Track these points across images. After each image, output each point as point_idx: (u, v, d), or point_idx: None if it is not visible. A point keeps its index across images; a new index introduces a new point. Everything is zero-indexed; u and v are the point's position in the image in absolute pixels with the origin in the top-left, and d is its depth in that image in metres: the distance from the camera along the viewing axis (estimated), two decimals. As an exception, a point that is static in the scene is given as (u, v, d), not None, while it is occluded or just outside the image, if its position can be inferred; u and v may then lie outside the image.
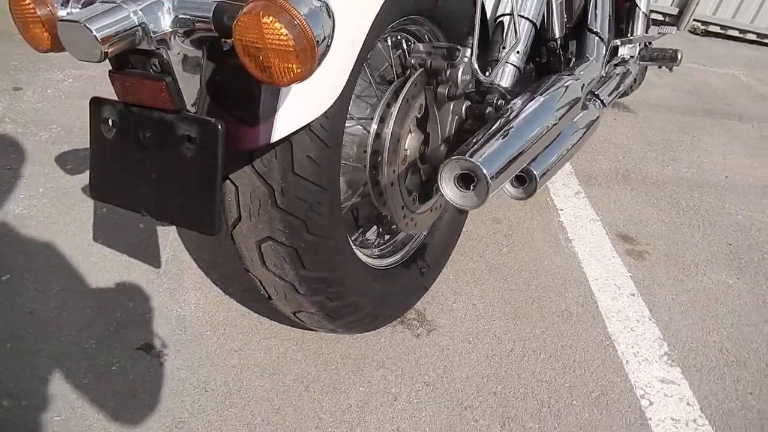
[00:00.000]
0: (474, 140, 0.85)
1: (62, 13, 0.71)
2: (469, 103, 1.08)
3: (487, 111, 1.05)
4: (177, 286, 1.16)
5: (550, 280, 1.41)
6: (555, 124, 0.98)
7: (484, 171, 0.77)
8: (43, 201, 1.29)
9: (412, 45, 1.04)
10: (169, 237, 1.28)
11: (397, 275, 1.12)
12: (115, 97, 0.69)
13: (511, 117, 0.92)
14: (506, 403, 1.07)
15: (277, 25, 0.52)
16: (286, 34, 0.52)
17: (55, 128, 1.54)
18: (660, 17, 3.99)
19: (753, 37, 4.12)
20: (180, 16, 0.62)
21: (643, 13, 1.79)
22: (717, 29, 4.10)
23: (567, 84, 1.07)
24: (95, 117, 0.70)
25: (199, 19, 0.61)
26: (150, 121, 0.66)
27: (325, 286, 0.89)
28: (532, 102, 0.97)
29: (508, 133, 0.87)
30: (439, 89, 0.98)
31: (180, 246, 1.26)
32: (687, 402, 1.15)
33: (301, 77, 0.56)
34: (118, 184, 0.71)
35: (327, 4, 0.57)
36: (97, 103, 0.70)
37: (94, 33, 0.56)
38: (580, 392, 1.13)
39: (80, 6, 0.70)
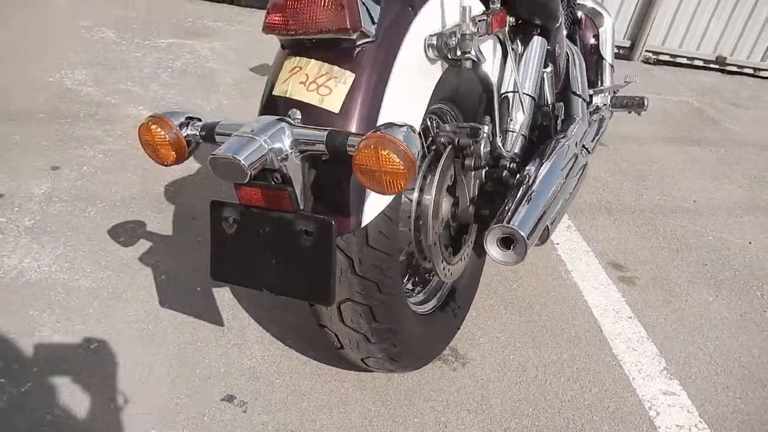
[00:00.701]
0: (506, 208, 1.04)
1: (185, 132, 0.88)
2: (488, 168, 1.28)
3: (504, 174, 1.25)
4: (242, 341, 1.31)
5: (558, 310, 1.60)
6: (564, 183, 1.18)
7: (522, 234, 0.96)
8: (108, 273, 1.43)
9: (438, 124, 1.23)
10: (225, 297, 1.43)
11: (436, 318, 1.29)
12: (214, 195, 0.86)
13: (530, 183, 1.12)
14: (538, 423, 1.25)
15: (392, 156, 0.70)
16: (398, 161, 0.71)
17: (100, 204, 1.68)
18: (615, 50, 4.31)
19: (700, 63, 4.49)
20: (298, 140, 0.80)
21: (609, 64, 2.05)
22: (667, 58, 4.46)
23: (567, 146, 1.28)
24: (216, 216, 0.87)
25: (314, 143, 0.79)
26: (270, 220, 0.83)
27: (392, 334, 1.06)
28: (543, 167, 1.17)
29: (531, 198, 1.07)
30: (466, 162, 1.17)
31: (237, 305, 1.41)
32: (687, 410, 1.35)
33: (405, 188, 0.74)
34: (238, 269, 0.88)
35: (410, 126, 0.76)
36: (217, 205, 0.87)
37: (243, 163, 0.74)
38: (598, 408, 1.31)
39: (200, 130, 0.88)
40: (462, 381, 1.32)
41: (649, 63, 4.41)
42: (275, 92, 0.90)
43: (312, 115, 0.85)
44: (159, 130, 0.87)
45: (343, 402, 1.21)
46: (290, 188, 0.79)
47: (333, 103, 0.85)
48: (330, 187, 0.86)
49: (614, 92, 2.03)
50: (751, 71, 4.52)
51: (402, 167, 0.71)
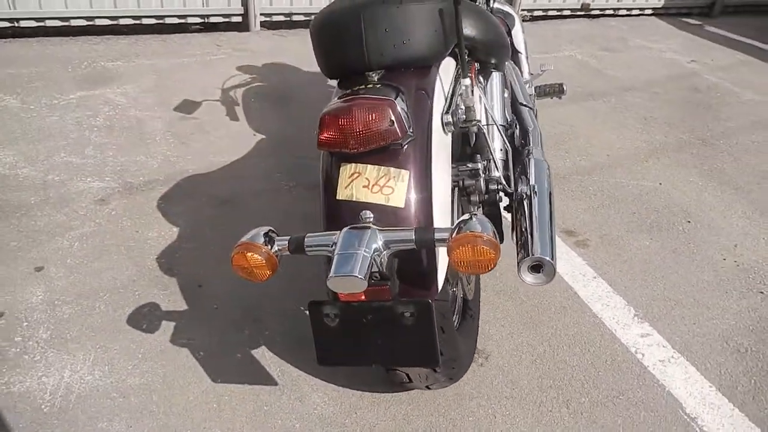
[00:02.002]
0: (524, 238, 1.24)
1: (274, 250, 1.00)
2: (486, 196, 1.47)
3: (497, 197, 1.45)
4: (301, 394, 1.45)
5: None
6: (551, 195, 1.41)
7: (548, 259, 1.18)
8: (150, 365, 1.50)
9: None
10: (266, 357, 1.55)
11: (465, 328, 1.51)
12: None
13: (530, 206, 1.33)
14: (561, 389, 1.52)
15: (485, 248, 0.89)
16: (491, 252, 0.89)
17: (104, 295, 1.70)
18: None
19: (568, 12, 4.93)
20: (389, 242, 0.96)
21: (525, 56, 2.30)
22: (540, 13, 4.85)
23: (538, 159, 1.51)
24: (317, 314, 1.01)
25: (404, 241, 0.95)
26: (371, 309, 0.98)
27: (453, 360, 1.26)
28: (533, 188, 1.39)
29: (538, 222, 1.28)
30: (471, 198, 1.36)
31: (280, 361, 1.54)
32: (662, 345, 1.68)
33: (492, 268, 0.93)
34: (345, 353, 1.03)
35: (479, 216, 0.94)
36: (317, 305, 1.01)
37: (361, 278, 0.89)
38: (599, 363, 1.60)
39: (289, 245, 1.00)
40: (491, 373, 1.56)
41: (526, 21, 4.77)
42: (340, 197, 1.04)
43: (382, 213, 1.01)
44: (254, 255, 0.98)
45: (407, 421, 1.40)
46: (389, 282, 0.95)
47: (398, 199, 1.01)
48: (412, 268, 1.03)
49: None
50: (611, 12, 5.04)
51: (494, 254, 0.90)
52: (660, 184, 2.51)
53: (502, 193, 1.46)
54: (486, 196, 1.43)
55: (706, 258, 2.06)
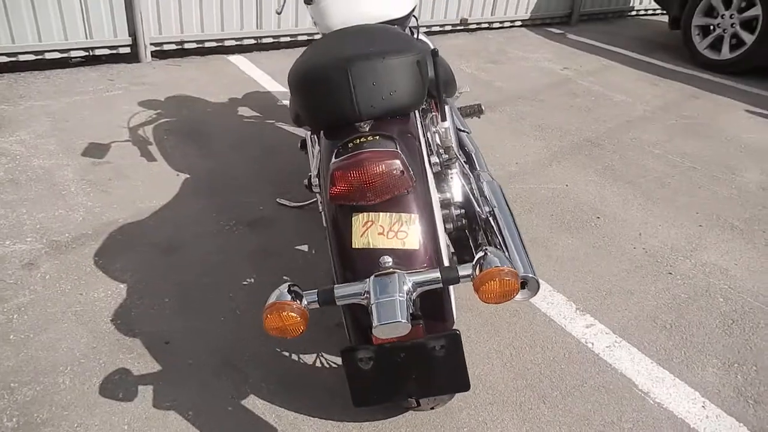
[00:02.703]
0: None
1: (303, 304, 1.03)
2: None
3: (462, 221, 1.57)
4: None
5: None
6: (511, 210, 1.55)
7: (530, 275, 1.31)
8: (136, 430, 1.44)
9: None
10: (257, 405, 1.55)
11: None
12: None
13: (500, 228, 1.46)
14: (533, 387, 1.67)
15: (510, 280, 0.99)
16: (514, 282, 1.00)
17: (65, 368, 1.60)
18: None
19: (449, 27, 5.25)
20: (417, 283, 1.03)
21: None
22: (424, 29, 5.12)
23: (488, 180, 1.66)
24: (351, 360, 1.06)
25: (432, 282, 1.03)
26: (405, 348, 1.05)
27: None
28: (495, 209, 1.53)
29: (511, 241, 1.42)
30: (446, 226, 1.47)
31: (271, 407, 1.54)
32: (606, 333, 1.90)
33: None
34: (379, 392, 1.09)
35: (491, 249, 1.05)
36: (350, 352, 1.06)
37: (405, 322, 0.95)
38: (559, 359, 1.78)
39: (318, 298, 1.04)
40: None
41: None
42: (356, 246, 1.09)
43: (400, 256, 1.08)
44: (289, 314, 1.01)
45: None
46: (422, 321, 1.02)
47: (412, 242, 1.09)
48: (431, 304, 1.11)
49: None
50: (486, 25, 5.44)
51: (517, 284, 1.01)
52: (567, 185, 2.79)
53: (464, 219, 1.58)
54: (459, 223, 1.54)
55: (620, 249, 2.34)
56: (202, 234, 2.21)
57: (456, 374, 1.10)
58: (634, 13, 6.73)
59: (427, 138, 1.36)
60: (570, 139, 3.30)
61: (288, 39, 4.56)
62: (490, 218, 1.49)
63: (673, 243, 2.39)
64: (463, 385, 1.10)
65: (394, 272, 1.04)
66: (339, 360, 1.69)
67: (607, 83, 4.27)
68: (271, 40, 4.49)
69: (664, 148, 3.29)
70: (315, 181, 1.46)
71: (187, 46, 4.15)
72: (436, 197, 1.24)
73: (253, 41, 4.42)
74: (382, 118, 1.24)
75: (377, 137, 1.17)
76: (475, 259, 1.06)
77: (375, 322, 0.97)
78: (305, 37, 4.63)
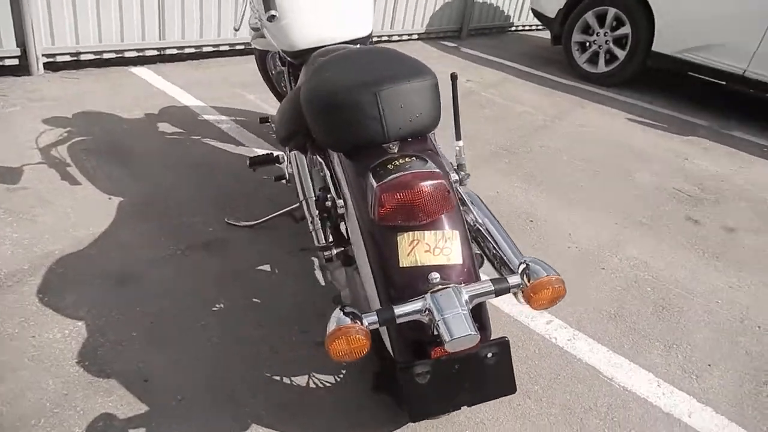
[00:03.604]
0: (498, 264, 1.47)
1: (365, 325, 1.04)
2: None
3: None
4: None
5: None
6: (494, 216, 1.65)
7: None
8: None
9: None
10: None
11: None
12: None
13: (492, 235, 1.55)
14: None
15: (562, 287, 1.07)
16: (563, 288, 1.08)
17: (38, 422, 1.44)
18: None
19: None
20: (473, 295, 1.08)
21: None
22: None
23: (468, 191, 1.75)
24: (408, 376, 1.08)
25: (486, 294, 1.08)
26: (460, 359, 1.09)
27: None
28: (481, 219, 1.62)
29: (503, 246, 1.51)
30: None
31: (279, 433, 1.51)
32: (564, 327, 2.07)
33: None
34: (435, 403, 1.12)
35: (533, 259, 1.13)
36: (407, 369, 1.08)
37: (475, 334, 1.00)
38: (531, 354, 1.92)
39: (378, 318, 1.05)
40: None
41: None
42: (404, 265, 1.12)
43: (447, 271, 1.13)
44: (356, 336, 1.01)
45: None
46: (479, 336, 1.07)
47: (456, 257, 1.14)
48: (475, 313, 1.16)
49: None
50: (387, 38, 5.60)
51: (565, 290, 1.09)
52: (497, 192, 2.98)
53: None
54: None
55: (557, 249, 2.55)
56: (154, 261, 2.08)
57: (505, 379, 1.16)
58: (513, 28, 7.27)
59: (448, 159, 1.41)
60: (489, 148, 3.52)
61: (192, 50, 4.38)
62: (480, 227, 1.57)
63: (599, 241, 2.65)
64: (511, 388, 1.17)
65: (447, 287, 1.09)
66: (331, 379, 1.69)
67: (508, 95, 4.60)
68: (174, 51, 4.29)
69: (569, 154, 3.61)
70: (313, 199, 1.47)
71: (83, 57, 3.84)
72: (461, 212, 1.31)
73: (155, 52, 4.19)
74: (405, 138, 1.28)
75: (413, 158, 1.21)
76: (519, 269, 1.14)
77: (447, 337, 1.00)
78: (210, 48, 4.48)
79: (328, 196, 1.35)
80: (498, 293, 1.13)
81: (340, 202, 1.29)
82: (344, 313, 1.07)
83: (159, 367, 1.65)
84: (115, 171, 2.63)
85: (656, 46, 4.89)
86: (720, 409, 1.77)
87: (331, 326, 1.05)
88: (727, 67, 4.56)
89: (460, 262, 1.16)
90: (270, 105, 3.66)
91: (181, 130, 3.15)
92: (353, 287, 1.48)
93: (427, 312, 1.07)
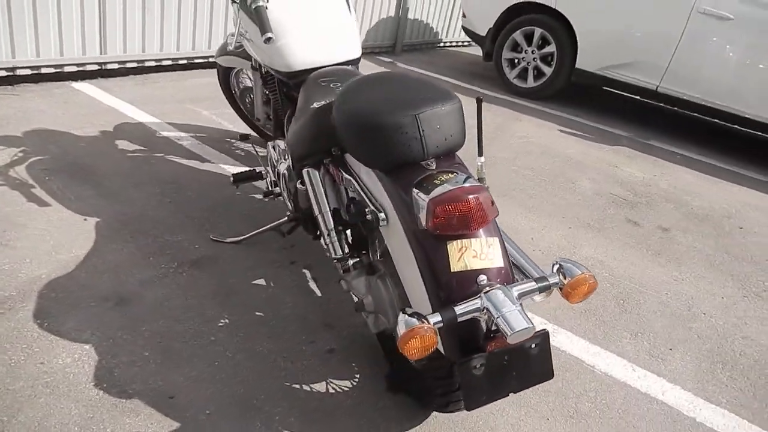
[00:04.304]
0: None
1: (432, 324, 1.15)
2: None
3: None
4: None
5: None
6: None
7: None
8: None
9: None
10: (295, 440, 1.56)
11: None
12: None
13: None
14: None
15: (594, 283, 1.22)
16: (595, 282, 1.24)
17: (69, 445, 1.42)
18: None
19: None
20: (522, 293, 1.21)
21: None
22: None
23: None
24: (466, 369, 1.19)
25: (533, 291, 1.22)
26: (508, 351, 1.22)
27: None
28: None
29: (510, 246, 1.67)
30: None
31: (311, 439, 1.57)
32: (544, 323, 2.26)
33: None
34: (487, 392, 1.24)
35: (564, 258, 1.28)
36: (465, 363, 1.19)
37: (533, 326, 1.13)
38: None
39: (442, 319, 1.16)
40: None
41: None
42: (455, 270, 1.24)
43: (492, 273, 1.26)
44: (426, 335, 1.12)
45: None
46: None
47: (498, 261, 1.27)
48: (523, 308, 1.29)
49: None
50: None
51: (597, 284, 1.25)
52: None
53: None
54: None
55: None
56: (148, 280, 2.07)
57: (545, 366, 1.30)
58: (442, 44, 7.59)
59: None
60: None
61: (135, 65, 4.28)
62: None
63: (558, 243, 2.89)
64: (550, 374, 1.31)
65: (499, 288, 1.21)
66: (347, 384, 1.77)
67: (451, 109, 4.82)
68: (116, 65, 4.18)
69: (516, 164, 3.87)
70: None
71: (20, 72, 3.66)
72: None
73: (96, 67, 4.06)
74: (440, 155, 1.40)
75: (455, 173, 1.33)
76: (554, 268, 1.29)
77: (509, 331, 1.13)
78: (153, 63, 4.39)
79: (366, 209, 1.44)
80: (541, 290, 1.27)
81: (382, 215, 1.39)
82: (410, 315, 1.17)
83: (180, 384, 1.65)
84: (83, 191, 2.56)
85: (579, 64, 5.31)
86: (686, 387, 2.02)
87: (402, 329, 1.14)
88: (642, 83, 5.04)
89: (502, 265, 1.29)
90: (227, 121, 3.66)
91: (142, 148, 3.09)
92: (377, 294, 1.57)
93: (485, 310, 1.19)
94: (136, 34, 4.15)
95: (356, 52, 2.17)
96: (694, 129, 5.56)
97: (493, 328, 1.21)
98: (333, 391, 1.74)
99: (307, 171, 1.75)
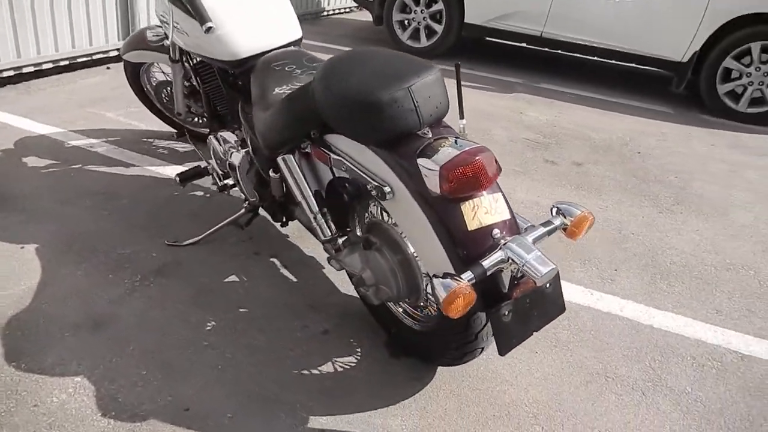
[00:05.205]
0: None
1: (468, 282, 1.23)
2: None
3: None
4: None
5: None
6: None
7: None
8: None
9: None
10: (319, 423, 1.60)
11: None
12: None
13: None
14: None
15: (593, 218, 1.35)
16: (593, 219, 1.36)
17: None
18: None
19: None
20: (535, 239, 1.32)
21: None
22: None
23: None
24: (497, 316, 1.30)
25: (544, 235, 1.33)
26: (529, 294, 1.33)
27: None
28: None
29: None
30: None
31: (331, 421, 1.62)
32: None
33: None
34: (515, 335, 1.35)
35: (563, 201, 1.40)
36: (496, 310, 1.29)
37: (556, 266, 1.24)
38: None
39: (474, 277, 1.24)
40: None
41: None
42: (472, 227, 1.33)
43: (504, 226, 1.36)
44: (468, 293, 1.20)
45: (461, 415, 1.75)
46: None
47: (506, 213, 1.38)
48: None
49: None
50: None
51: (594, 219, 1.38)
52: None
53: None
54: None
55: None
56: (117, 299, 1.97)
57: (559, 302, 1.43)
58: (326, 14, 7.52)
59: None
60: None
61: (11, 73, 3.88)
62: None
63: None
64: (563, 307, 1.45)
65: (515, 238, 1.31)
66: (351, 360, 1.82)
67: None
68: (-11, 75, 3.77)
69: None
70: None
71: None
72: None
73: (-34, 79, 3.64)
74: (432, 124, 1.46)
75: (454, 137, 1.40)
76: (554, 210, 1.42)
77: (538, 274, 1.23)
78: (31, 68, 4.00)
79: (369, 185, 1.47)
80: (550, 233, 1.39)
81: (387, 188, 1.42)
82: (444, 277, 1.24)
83: (190, 395, 1.62)
84: (7, 219, 2.34)
85: (468, 18, 5.52)
86: (638, 300, 2.28)
87: (443, 292, 1.21)
88: (528, 30, 5.35)
89: (509, 216, 1.39)
90: (136, 120, 3.45)
91: (55, 162, 2.86)
92: (376, 266, 1.62)
93: (509, 260, 1.29)
94: (8, 38, 3.75)
95: (298, 32, 2.15)
96: (577, 68, 5.99)
97: (519, 275, 1.31)
98: (341, 369, 1.78)
99: (283, 158, 1.74)
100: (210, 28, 1.83)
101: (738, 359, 1.98)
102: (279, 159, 1.75)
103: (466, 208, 1.35)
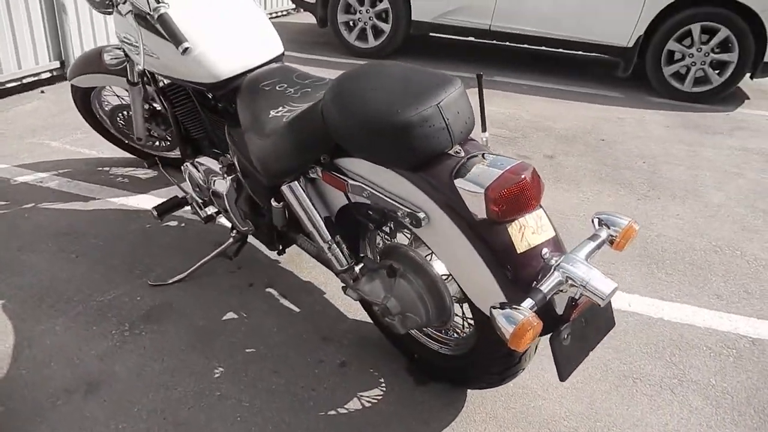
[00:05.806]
0: None
1: (530, 309, 1.15)
2: None
3: None
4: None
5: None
6: None
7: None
8: None
9: None
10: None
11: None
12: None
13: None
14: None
15: (638, 228, 1.30)
16: (638, 228, 1.31)
17: None
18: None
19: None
20: (587, 255, 1.25)
21: None
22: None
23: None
24: (557, 341, 1.22)
25: (594, 250, 1.26)
26: (584, 314, 1.26)
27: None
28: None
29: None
30: None
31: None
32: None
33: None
34: (574, 359, 1.28)
35: (604, 212, 1.35)
36: (556, 335, 1.21)
37: (617, 284, 1.18)
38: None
39: (535, 303, 1.16)
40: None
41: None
42: (521, 250, 1.25)
43: (551, 244, 1.29)
44: (535, 325, 1.12)
45: (495, 419, 1.67)
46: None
47: (551, 231, 1.32)
48: None
49: None
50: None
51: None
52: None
53: None
54: None
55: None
56: (107, 354, 1.77)
57: (609, 316, 1.37)
58: (264, 17, 7.27)
59: None
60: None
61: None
62: None
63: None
64: (613, 321, 1.39)
65: (567, 257, 1.23)
66: (376, 392, 1.71)
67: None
68: None
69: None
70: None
71: None
72: None
73: None
74: (462, 141, 1.37)
75: (490, 154, 1.30)
76: (596, 222, 1.36)
77: (602, 295, 1.16)
78: (-45, 98, 3.63)
79: (399, 212, 1.36)
80: (599, 246, 1.33)
81: (421, 214, 1.32)
82: (503, 308, 1.15)
83: (209, 415, 1.47)
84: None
85: (415, 16, 5.45)
86: (643, 293, 2.27)
87: (508, 326, 1.11)
88: (476, 24, 5.34)
89: (554, 233, 1.32)
90: (86, 147, 3.19)
91: (3, 203, 2.59)
92: (403, 294, 1.52)
93: (567, 281, 1.21)
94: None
95: (279, 47, 2.00)
96: (525, 59, 6.06)
97: (578, 296, 1.24)
98: (368, 404, 1.67)
99: (289, 186, 1.60)
100: (187, 48, 1.67)
101: (750, 344, 2.00)
102: (284, 187, 1.62)
103: (513, 229, 1.27)
